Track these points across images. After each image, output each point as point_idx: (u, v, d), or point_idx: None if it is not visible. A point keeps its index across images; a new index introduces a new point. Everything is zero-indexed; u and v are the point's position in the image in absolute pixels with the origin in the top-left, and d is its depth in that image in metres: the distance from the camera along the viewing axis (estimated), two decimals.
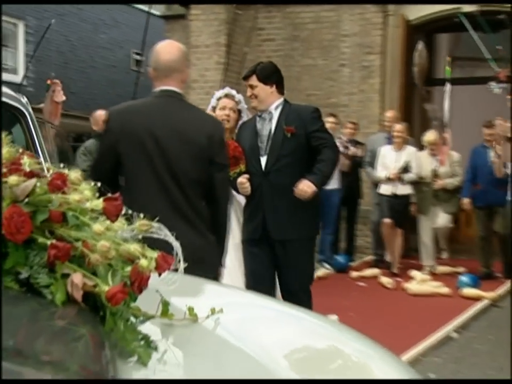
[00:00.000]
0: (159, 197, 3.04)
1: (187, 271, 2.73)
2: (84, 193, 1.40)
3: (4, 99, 2.31)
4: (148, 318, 1.50)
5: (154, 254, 1.45)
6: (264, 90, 4.29)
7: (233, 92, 4.79)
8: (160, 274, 1.45)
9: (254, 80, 4.31)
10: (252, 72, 4.34)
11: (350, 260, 9.21)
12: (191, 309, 1.54)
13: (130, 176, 3.07)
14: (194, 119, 3.18)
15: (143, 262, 1.39)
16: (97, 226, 1.34)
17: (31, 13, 16.11)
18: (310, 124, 4.21)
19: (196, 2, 10.63)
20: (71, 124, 12.32)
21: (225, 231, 3.31)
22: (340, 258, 8.93)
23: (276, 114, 4.31)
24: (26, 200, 1.33)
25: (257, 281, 4.14)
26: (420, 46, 9.70)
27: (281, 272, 4.30)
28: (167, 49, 3.21)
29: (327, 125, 8.95)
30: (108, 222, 1.42)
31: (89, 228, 1.36)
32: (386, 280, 7.92)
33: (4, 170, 1.33)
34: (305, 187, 4.09)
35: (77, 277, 1.33)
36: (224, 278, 3.45)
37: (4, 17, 16.04)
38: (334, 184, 8.94)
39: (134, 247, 1.40)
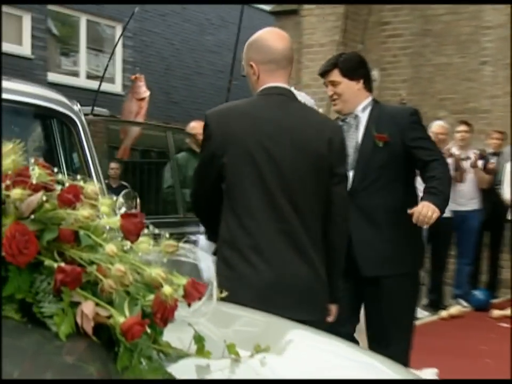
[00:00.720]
0: (266, 216, 2.93)
1: (289, 306, 2.65)
2: (101, 209, 1.41)
3: (50, 105, 2.37)
4: (180, 356, 1.48)
5: (182, 281, 1.43)
6: (350, 88, 3.97)
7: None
8: (189, 305, 1.43)
9: (336, 75, 3.98)
10: (333, 66, 4.00)
11: (492, 296, 8.89)
12: (231, 346, 1.51)
13: (233, 191, 2.97)
14: (311, 122, 3.05)
15: (166, 289, 1.37)
16: (110, 247, 1.34)
17: (130, 14, 16.68)
18: (409, 130, 3.87)
19: (306, 2, 10.71)
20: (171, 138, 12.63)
21: (340, 259, 3.15)
22: (480, 294, 8.62)
23: (363, 118, 3.98)
24: (32, 216, 1.35)
25: (339, 324, 3.77)
26: None
27: (371, 316, 3.95)
28: (278, 36, 3.08)
29: (458, 135, 8.80)
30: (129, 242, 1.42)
31: (103, 249, 1.37)
32: None
33: (8, 182, 1.35)
34: (427, 210, 3.58)
35: (88, 306, 1.33)
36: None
37: (102, 20, 16.75)
38: (473, 204, 8.70)
39: (156, 272, 1.38)
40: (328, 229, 3.05)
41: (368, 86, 4.06)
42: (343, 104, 4.02)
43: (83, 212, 1.33)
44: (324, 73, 4.07)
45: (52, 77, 15.23)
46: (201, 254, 1.43)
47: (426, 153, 3.86)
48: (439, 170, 3.81)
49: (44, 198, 1.35)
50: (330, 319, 3.18)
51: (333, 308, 3.19)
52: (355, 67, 4.03)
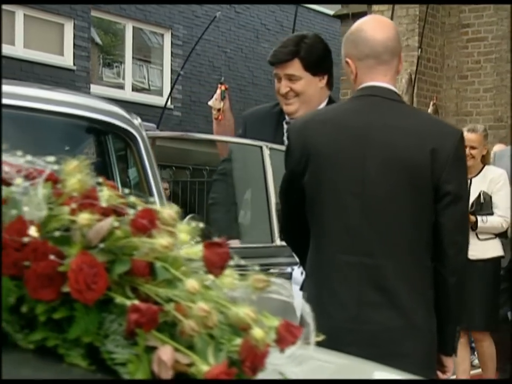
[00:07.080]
0: (340, 246, 2.69)
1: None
2: (178, 237, 1.33)
3: (107, 119, 2.33)
4: None
5: (274, 322, 1.34)
6: (313, 85, 3.47)
7: None
8: (282, 350, 1.34)
9: (296, 69, 3.45)
10: (294, 55, 3.45)
11: None
12: None
13: (311, 215, 2.76)
14: (409, 129, 2.71)
15: (257, 332, 1.28)
16: (191, 283, 1.25)
17: (179, 20, 16.80)
18: None
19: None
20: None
21: (455, 302, 2.77)
22: None
23: None
24: (101, 245, 1.28)
25: None
26: None
27: None
28: (378, 24, 2.79)
29: None
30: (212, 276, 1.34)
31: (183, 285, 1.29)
32: None
33: (73, 206, 1.28)
34: None
35: (166, 352, 1.25)
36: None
37: (148, 27, 16.88)
38: None
39: (245, 312, 1.30)
40: (436, 264, 2.72)
41: (331, 82, 3.60)
42: (300, 105, 3.51)
43: (161, 240, 1.25)
44: (280, 62, 3.52)
45: (95, 89, 15.37)
46: (297, 290, 1.34)
47: None
48: None
49: (115, 224, 1.28)
50: (445, 376, 2.83)
51: (448, 362, 2.82)
52: (321, 59, 3.56)
